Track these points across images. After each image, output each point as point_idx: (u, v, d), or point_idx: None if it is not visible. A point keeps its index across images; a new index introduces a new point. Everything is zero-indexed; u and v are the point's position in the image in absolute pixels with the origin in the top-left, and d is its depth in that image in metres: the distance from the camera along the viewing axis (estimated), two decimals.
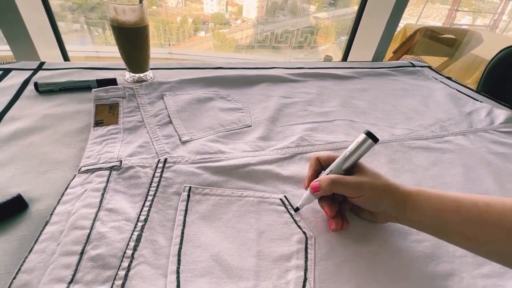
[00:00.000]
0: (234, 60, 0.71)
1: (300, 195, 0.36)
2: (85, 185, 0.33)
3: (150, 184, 0.34)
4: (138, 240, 0.28)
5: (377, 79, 0.72)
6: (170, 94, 0.52)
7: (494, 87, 0.84)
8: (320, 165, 0.35)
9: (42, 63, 0.58)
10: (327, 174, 0.32)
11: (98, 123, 0.43)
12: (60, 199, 0.31)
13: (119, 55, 0.53)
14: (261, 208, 0.34)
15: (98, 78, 0.52)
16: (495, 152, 0.50)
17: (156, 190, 0.34)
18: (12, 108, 0.45)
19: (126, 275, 0.25)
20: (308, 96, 0.59)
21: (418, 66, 0.84)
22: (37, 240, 0.27)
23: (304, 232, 0.32)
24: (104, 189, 0.32)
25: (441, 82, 0.77)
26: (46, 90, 0.49)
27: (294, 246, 0.30)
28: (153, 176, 0.35)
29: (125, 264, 0.26)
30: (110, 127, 0.42)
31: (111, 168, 0.35)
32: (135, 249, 0.27)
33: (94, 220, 0.29)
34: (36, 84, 0.49)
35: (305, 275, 0.28)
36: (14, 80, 0.51)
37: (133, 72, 0.55)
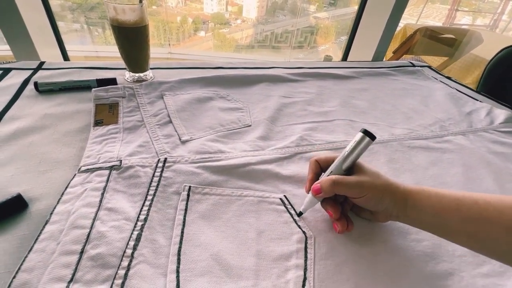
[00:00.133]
0: (234, 60, 0.71)
1: (299, 195, 0.36)
2: (85, 184, 0.33)
3: (150, 183, 0.34)
4: (138, 239, 0.28)
5: (377, 79, 0.72)
6: (170, 93, 0.52)
7: (494, 87, 0.84)
8: (320, 167, 0.35)
9: (42, 63, 0.58)
10: (328, 176, 0.32)
11: (98, 123, 0.43)
12: (60, 199, 0.31)
13: (119, 54, 0.53)
14: (261, 208, 0.34)
15: (98, 78, 0.52)
16: (494, 151, 0.50)
17: (156, 189, 0.34)
18: (12, 107, 0.45)
19: (126, 274, 0.25)
20: (308, 96, 0.59)
21: (418, 66, 0.84)
22: (37, 239, 0.27)
23: (303, 232, 0.32)
24: (104, 188, 0.32)
25: (441, 82, 0.77)
26: (46, 90, 0.49)
27: (293, 246, 0.30)
28: (153, 176, 0.35)
29: (125, 263, 0.26)
30: (110, 126, 0.42)
31: (111, 168, 0.35)
32: (135, 248, 0.27)
33: (94, 219, 0.29)
34: (36, 84, 0.49)
35: (305, 274, 0.28)
36: (14, 79, 0.51)
37: (133, 72, 0.55)
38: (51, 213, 0.29)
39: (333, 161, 0.33)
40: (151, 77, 0.57)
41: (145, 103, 0.49)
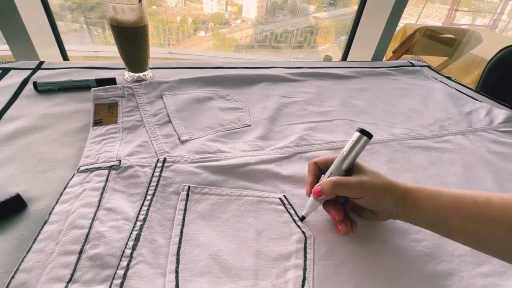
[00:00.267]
0: (233, 60, 0.71)
1: (299, 195, 0.36)
2: (84, 184, 0.33)
3: (149, 183, 0.34)
4: (137, 239, 0.28)
5: (376, 79, 0.72)
6: (169, 93, 0.52)
7: (494, 86, 0.84)
8: (319, 169, 0.34)
9: (41, 63, 0.58)
10: (328, 177, 0.31)
11: (97, 123, 0.43)
12: (58, 199, 0.31)
13: (118, 54, 0.53)
14: (260, 208, 0.34)
15: (97, 78, 0.52)
16: (494, 151, 0.50)
17: (155, 189, 0.33)
18: (11, 107, 0.44)
19: (125, 275, 0.25)
20: (307, 95, 0.59)
21: (417, 66, 0.84)
22: (35, 239, 0.27)
23: (303, 232, 0.31)
24: (103, 188, 0.32)
25: (441, 81, 0.77)
26: (45, 90, 0.49)
27: (293, 246, 0.30)
28: (152, 176, 0.35)
29: (124, 263, 0.26)
30: (109, 126, 0.42)
31: (110, 168, 0.35)
32: (134, 248, 0.27)
33: (93, 219, 0.29)
34: (35, 84, 0.49)
35: (304, 274, 0.28)
36: (13, 79, 0.51)
37: (132, 72, 0.55)
38: (50, 213, 0.29)
39: (331, 162, 0.33)
40: (150, 77, 0.57)
41: (145, 103, 0.49)
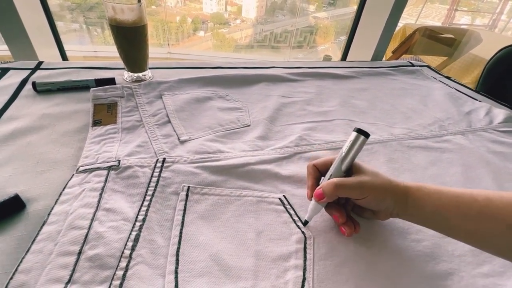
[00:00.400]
0: (233, 60, 0.71)
1: (299, 195, 0.36)
2: (83, 185, 0.33)
3: (149, 183, 0.34)
4: (136, 240, 0.28)
5: (376, 79, 0.72)
6: (168, 93, 0.52)
7: (493, 86, 0.84)
8: (318, 172, 0.34)
9: (40, 63, 0.57)
10: (328, 179, 0.31)
11: (96, 123, 0.43)
12: (57, 199, 0.31)
13: (117, 54, 0.53)
14: (260, 208, 0.34)
15: (96, 78, 0.52)
16: (494, 151, 0.50)
17: (155, 189, 0.33)
18: (10, 107, 0.44)
19: (124, 275, 0.25)
20: (307, 95, 0.59)
21: (417, 66, 0.84)
22: (34, 240, 0.27)
23: (303, 232, 0.31)
24: (102, 188, 0.32)
25: (440, 81, 0.77)
26: (44, 90, 0.49)
27: (293, 246, 0.30)
28: (152, 176, 0.35)
29: (123, 264, 0.26)
30: (108, 126, 0.42)
31: (109, 168, 0.35)
32: (133, 249, 0.27)
33: (92, 220, 0.29)
34: (34, 84, 0.48)
35: (304, 275, 0.28)
36: (12, 79, 0.51)
37: (131, 72, 0.55)
38: (49, 214, 0.29)
39: (330, 163, 0.32)
40: (150, 77, 0.57)
41: (144, 103, 0.48)
